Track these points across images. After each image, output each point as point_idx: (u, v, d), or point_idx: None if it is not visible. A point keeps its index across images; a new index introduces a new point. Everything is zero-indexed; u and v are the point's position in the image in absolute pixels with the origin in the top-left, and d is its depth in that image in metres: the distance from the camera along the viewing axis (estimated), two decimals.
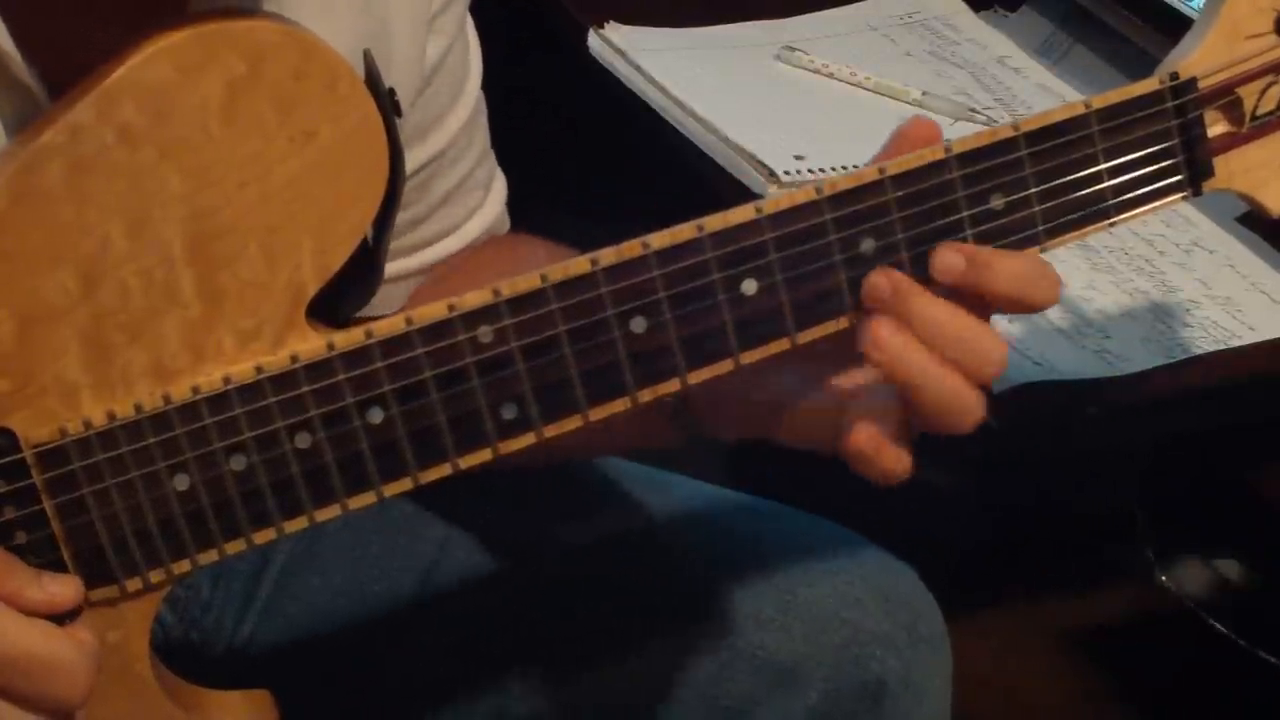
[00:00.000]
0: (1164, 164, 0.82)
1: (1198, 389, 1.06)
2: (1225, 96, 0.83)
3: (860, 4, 1.44)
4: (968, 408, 0.76)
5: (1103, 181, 0.81)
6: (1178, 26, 1.25)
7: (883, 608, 0.97)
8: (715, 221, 0.76)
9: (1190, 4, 1.28)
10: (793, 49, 1.34)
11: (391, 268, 0.95)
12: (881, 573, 0.99)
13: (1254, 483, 1.29)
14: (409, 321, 0.74)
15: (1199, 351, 1.07)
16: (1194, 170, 0.82)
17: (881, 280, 0.77)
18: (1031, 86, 1.35)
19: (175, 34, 0.70)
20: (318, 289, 0.74)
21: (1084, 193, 0.80)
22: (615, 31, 1.33)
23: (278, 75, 0.71)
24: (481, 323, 0.74)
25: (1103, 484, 1.38)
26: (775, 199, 0.77)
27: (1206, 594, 1.35)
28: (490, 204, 1.02)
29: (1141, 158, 0.81)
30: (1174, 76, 0.82)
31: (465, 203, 0.99)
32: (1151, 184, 0.82)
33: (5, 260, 0.70)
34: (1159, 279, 1.16)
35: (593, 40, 1.33)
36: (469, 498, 1.02)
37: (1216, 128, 0.83)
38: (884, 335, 0.76)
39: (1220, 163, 0.83)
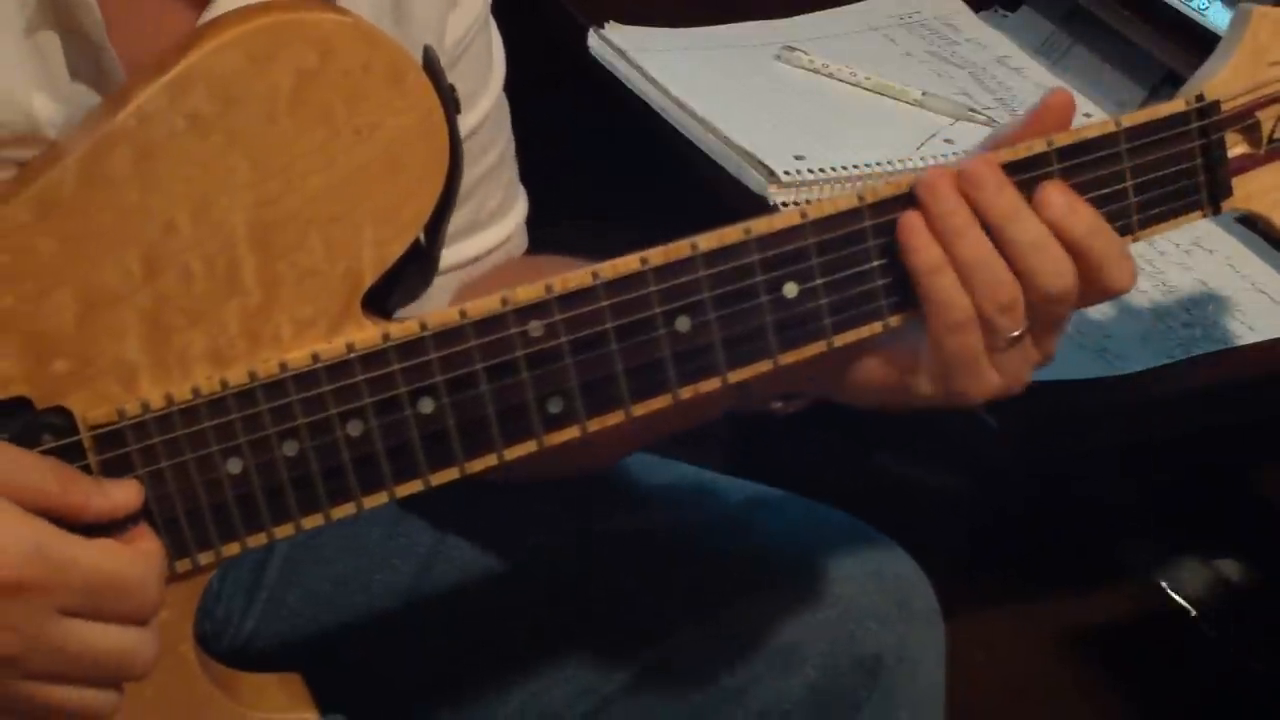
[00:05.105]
0: (1186, 183, 0.84)
1: (1198, 389, 1.06)
2: (1246, 119, 0.86)
3: (860, 4, 1.44)
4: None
5: (1129, 198, 0.83)
6: (1178, 27, 1.25)
7: (875, 584, 0.99)
8: (761, 225, 0.78)
9: (1190, 4, 1.27)
10: (793, 49, 1.34)
11: None
12: (872, 550, 1.00)
13: (1254, 483, 1.30)
14: (463, 314, 0.75)
15: (1199, 351, 1.08)
16: (1214, 190, 0.85)
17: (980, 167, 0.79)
18: (1031, 86, 1.34)
19: (247, 23, 0.71)
20: (374, 279, 0.75)
21: (1111, 208, 0.82)
22: (615, 31, 1.33)
23: (346, 67, 0.72)
24: (533, 317, 0.76)
25: (1102, 484, 1.39)
26: (819, 204, 0.79)
27: (1206, 594, 1.37)
28: (513, 214, 1.00)
29: (1165, 175, 0.84)
30: (1199, 98, 0.84)
31: (486, 202, 0.98)
32: (1173, 201, 0.85)
33: (71, 242, 0.71)
34: (1159, 279, 1.15)
35: (593, 40, 1.33)
36: (467, 488, 1.03)
37: (1236, 149, 0.86)
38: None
39: (1238, 183, 0.86)
